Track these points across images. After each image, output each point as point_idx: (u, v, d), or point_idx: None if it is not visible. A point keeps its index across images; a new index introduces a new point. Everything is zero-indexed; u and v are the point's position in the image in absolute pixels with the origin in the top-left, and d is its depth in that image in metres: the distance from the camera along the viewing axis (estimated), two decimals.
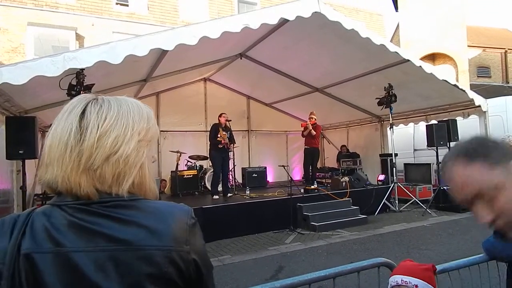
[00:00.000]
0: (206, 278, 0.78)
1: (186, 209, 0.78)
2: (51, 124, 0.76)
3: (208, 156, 7.97)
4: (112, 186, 0.72)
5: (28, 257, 0.66)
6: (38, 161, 6.87)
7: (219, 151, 7.38)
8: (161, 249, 0.69)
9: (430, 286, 1.37)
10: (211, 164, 8.57)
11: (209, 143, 7.79)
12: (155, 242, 0.70)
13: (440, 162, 7.88)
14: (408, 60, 6.88)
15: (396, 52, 6.68)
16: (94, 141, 0.71)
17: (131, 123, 0.76)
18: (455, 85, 7.38)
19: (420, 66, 6.90)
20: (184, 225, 0.74)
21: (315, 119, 8.74)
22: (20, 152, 4.76)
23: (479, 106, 7.80)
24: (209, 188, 8.03)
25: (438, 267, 1.85)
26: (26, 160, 5.07)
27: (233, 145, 7.79)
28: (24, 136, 4.79)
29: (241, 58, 8.22)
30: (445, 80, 7.15)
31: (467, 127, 8.52)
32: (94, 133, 0.71)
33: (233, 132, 7.82)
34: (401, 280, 1.40)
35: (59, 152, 0.72)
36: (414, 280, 1.37)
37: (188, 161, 9.04)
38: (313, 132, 8.64)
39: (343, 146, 11.14)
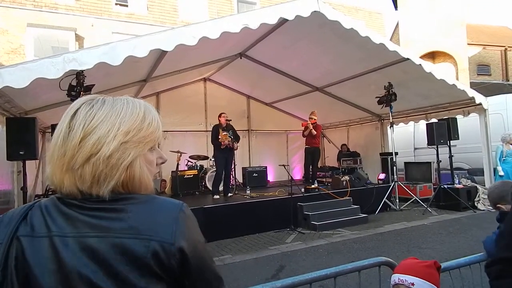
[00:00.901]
0: (196, 275, 0.75)
1: (175, 203, 0.77)
2: (51, 125, 0.78)
3: (212, 156, 7.96)
4: (92, 187, 0.73)
5: (18, 240, 0.72)
6: (38, 162, 6.90)
7: (222, 152, 7.37)
8: (140, 238, 0.70)
9: (428, 283, 1.33)
10: (211, 164, 8.58)
11: (209, 143, 7.78)
12: (136, 231, 0.71)
13: (440, 160, 7.90)
14: (408, 59, 6.87)
15: (395, 50, 6.66)
16: (77, 141, 0.73)
17: (117, 123, 0.75)
18: (453, 84, 7.36)
19: (420, 65, 6.88)
20: (169, 217, 0.74)
21: (315, 119, 8.74)
22: (20, 153, 4.78)
23: (480, 104, 7.78)
24: (210, 188, 8.03)
25: None
26: (26, 161, 5.08)
27: (237, 142, 7.76)
28: (25, 137, 4.80)
29: (240, 58, 8.22)
30: (443, 80, 7.14)
31: (467, 125, 8.53)
32: (79, 134, 0.73)
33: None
34: (398, 279, 1.38)
35: (51, 151, 0.76)
36: (411, 278, 1.34)
37: (188, 161, 9.05)
38: (314, 132, 8.63)
39: (343, 145, 11.14)
